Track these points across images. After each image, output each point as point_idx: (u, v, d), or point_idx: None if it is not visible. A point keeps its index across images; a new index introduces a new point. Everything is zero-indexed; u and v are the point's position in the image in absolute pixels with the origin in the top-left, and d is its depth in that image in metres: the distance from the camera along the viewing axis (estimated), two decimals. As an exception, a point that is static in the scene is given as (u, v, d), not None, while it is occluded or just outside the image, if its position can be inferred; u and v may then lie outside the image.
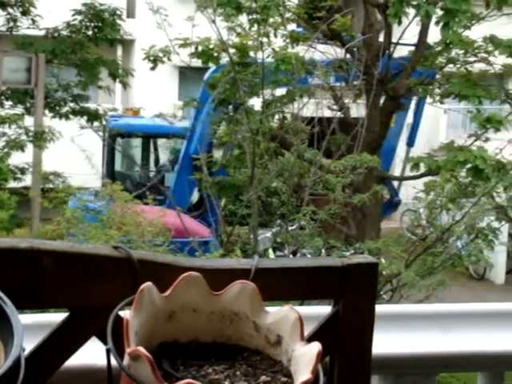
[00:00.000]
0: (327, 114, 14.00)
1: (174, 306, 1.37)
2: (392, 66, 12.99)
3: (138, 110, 15.80)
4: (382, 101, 13.26)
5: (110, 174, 16.15)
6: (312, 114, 14.04)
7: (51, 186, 13.74)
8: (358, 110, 13.63)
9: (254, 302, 1.37)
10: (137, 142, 17.06)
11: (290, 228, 12.48)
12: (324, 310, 1.51)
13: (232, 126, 13.09)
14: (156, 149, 17.24)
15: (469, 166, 11.15)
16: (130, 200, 11.67)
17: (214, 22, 11.38)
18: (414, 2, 10.82)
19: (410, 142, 15.34)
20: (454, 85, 12.43)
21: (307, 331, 1.51)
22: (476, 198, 11.01)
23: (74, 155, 12.22)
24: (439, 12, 11.27)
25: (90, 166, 11.56)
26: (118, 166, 16.80)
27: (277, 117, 13.39)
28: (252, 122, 12.11)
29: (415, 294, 10.98)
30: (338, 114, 13.44)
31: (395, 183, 15.30)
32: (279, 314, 1.36)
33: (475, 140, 12.31)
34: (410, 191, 14.34)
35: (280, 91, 13.34)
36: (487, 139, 12.20)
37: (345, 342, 1.44)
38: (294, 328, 1.34)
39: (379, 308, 1.71)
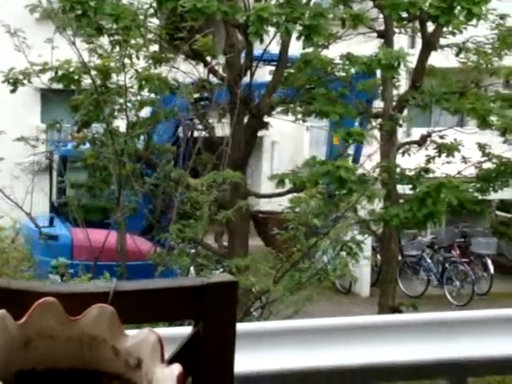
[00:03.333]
0: (194, 134, 14.06)
1: (29, 334, 1.34)
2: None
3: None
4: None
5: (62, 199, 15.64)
6: (178, 134, 14.05)
7: None
8: (223, 129, 13.73)
9: (112, 326, 1.35)
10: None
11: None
12: (187, 330, 1.50)
13: (96, 147, 12.94)
14: None
15: (332, 177, 11.34)
16: None
17: (74, 43, 11.26)
18: (274, 20, 10.99)
19: (355, 161, 15.21)
20: (315, 103, 12.68)
21: (171, 353, 1.49)
22: (339, 212, 11.25)
23: None
24: (299, 28, 11.48)
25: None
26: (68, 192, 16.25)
27: (142, 137, 13.33)
28: (117, 143, 12.03)
29: (284, 310, 11.12)
30: (203, 133, 13.51)
31: None
32: (138, 337, 1.34)
33: (338, 156, 12.59)
34: (276, 208, 14.52)
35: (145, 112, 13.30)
36: (348, 155, 12.50)
37: (206, 362, 1.44)
38: (154, 350, 1.33)
39: (241, 326, 1.71)
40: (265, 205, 16.35)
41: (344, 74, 13.16)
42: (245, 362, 1.74)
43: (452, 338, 1.77)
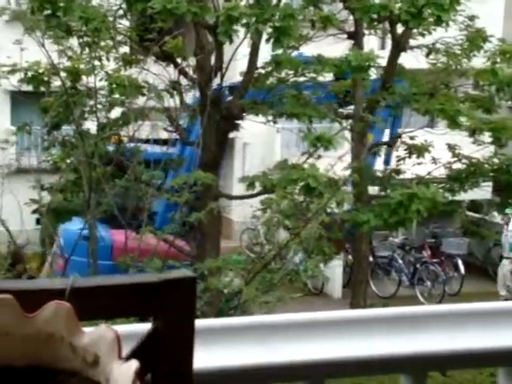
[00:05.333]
0: (163, 135, 14.03)
1: (-16, 331, 1.32)
2: None
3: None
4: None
5: None
6: (148, 135, 14.02)
7: None
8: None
9: (69, 323, 1.34)
10: None
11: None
12: (146, 327, 1.50)
13: (67, 149, 12.88)
14: None
15: (301, 184, 11.39)
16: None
17: (43, 45, 11.19)
18: (244, 21, 10.99)
19: (387, 161, 15.10)
20: (285, 104, 12.69)
21: (129, 349, 1.49)
22: (311, 213, 11.27)
23: None
24: (269, 30, 11.49)
25: None
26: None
27: (113, 140, 13.28)
28: (87, 145, 11.97)
29: (256, 311, 11.12)
30: (174, 135, 13.49)
31: None
32: (96, 334, 1.33)
33: (308, 158, 12.61)
34: (248, 210, 14.55)
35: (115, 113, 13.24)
36: (319, 156, 12.52)
37: (165, 358, 1.44)
38: (111, 347, 1.32)
39: (201, 322, 1.71)
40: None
41: (314, 75, 13.19)
42: (205, 358, 1.74)
43: (409, 332, 1.78)
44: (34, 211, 13.44)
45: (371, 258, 17.35)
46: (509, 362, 2.17)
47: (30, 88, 12.92)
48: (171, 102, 13.35)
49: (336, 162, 12.07)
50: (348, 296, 15.40)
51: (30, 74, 12.38)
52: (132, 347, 1.46)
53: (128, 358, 1.34)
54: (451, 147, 14.15)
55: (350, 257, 16.85)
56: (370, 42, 15.06)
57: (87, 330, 1.35)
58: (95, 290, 1.41)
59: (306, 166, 12.16)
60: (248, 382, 1.87)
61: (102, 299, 1.41)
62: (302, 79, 13.31)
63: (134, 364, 1.30)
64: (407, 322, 1.83)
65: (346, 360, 1.81)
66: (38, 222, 14.37)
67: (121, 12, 12.59)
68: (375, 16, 12.78)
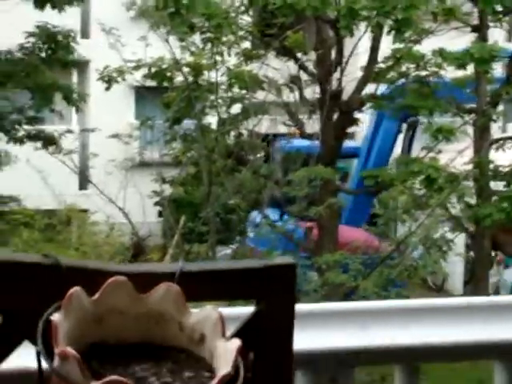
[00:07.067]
0: (282, 130, 14.14)
1: (102, 309, 1.44)
2: None
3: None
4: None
5: None
6: (267, 130, 14.17)
7: (6, 208, 13.68)
8: (313, 125, 13.76)
9: (178, 303, 1.45)
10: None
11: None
12: (248, 310, 1.59)
13: (188, 144, 13.15)
14: None
15: (422, 176, 11.29)
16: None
17: (167, 41, 11.47)
18: (365, 14, 10.98)
19: None
20: (406, 98, 12.60)
21: (233, 330, 1.58)
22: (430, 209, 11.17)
23: (28, 176, 12.21)
24: (390, 23, 11.43)
25: (46, 187, 11.54)
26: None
27: (233, 134, 13.48)
28: (208, 139, 12.20)
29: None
30: (293, 129, 13.58)
31: None
32: (202, 314, 1.43)
33: (428, 152, 12.48)
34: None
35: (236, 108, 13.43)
36: (439, 151, 12.38)
37: (266, 339, 1.53)
38: (216, 326, 1.42)
39: (301, 306, 1.80)
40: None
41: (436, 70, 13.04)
42: (304, 340, 1.82)
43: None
44: (156, 203, 13.77)
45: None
46: None
47: (153, 83, 13.24)
48: (291, 96, 13.47)
49: (456, 157, 11.92)
50: (469, 293, 15.18)
51: (153, 69, 12.68)
52: (235, 328, 1.56)
53: (232, 337, 1.44)
54: None
55: (471, 253, 16.55)
56: (495, 35, 14.75)
57: (194, 310, 1.45)
58: (202, 275, 1.52)
59: (425, 160, 12.05)
60: (343, 363, 1.94)
61: (209, 283, 1.51)
62: (423, 73, 13.18)
63: (237, 342, 1.39)
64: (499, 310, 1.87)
65: (437, 346, 1.85)
66: (159, 214, 14.70)
67: (243, 8, 12.76)
68: (499, 7, 12.54)
